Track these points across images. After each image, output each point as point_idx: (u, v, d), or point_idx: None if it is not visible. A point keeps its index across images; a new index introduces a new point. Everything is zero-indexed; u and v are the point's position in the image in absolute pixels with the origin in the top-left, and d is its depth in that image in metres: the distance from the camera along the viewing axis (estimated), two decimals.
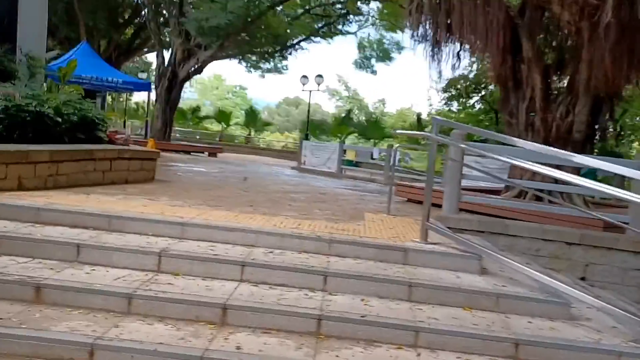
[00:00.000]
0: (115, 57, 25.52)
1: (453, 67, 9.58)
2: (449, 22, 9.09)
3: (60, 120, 6.65)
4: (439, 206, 8.98)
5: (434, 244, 4.65)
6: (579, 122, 8.24)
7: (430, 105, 34.45)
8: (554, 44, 9.31)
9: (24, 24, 8.13)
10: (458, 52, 9.78)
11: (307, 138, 20.76)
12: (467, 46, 9.77)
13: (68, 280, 3.61)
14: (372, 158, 16.39)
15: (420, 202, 9.31)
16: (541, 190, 7.39)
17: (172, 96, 21.81)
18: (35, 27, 8.26)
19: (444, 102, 26.33)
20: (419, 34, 9.90)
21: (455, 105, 28.73)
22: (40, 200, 4.94)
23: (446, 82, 26.82)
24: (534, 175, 8.67)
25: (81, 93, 9.48)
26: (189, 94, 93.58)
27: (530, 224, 6.71)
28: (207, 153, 21.87)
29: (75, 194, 5.82)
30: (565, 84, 8.85)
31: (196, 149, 21.70)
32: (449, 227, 5.78)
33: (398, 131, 8.05)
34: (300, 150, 18.80)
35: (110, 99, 46.81)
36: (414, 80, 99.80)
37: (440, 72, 9.81)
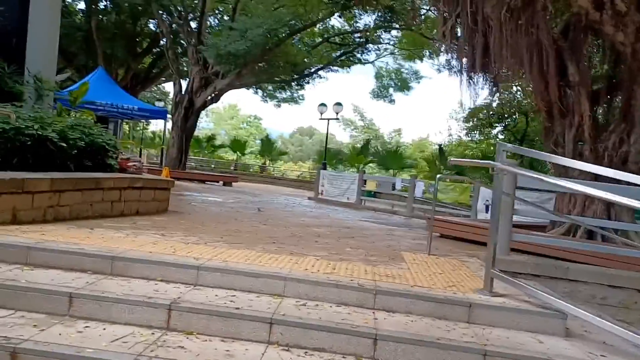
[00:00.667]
0: (133, 85, 25.36)
1: (491, 92, 8.87)
2: (486, 45, 8.42)
3: (65, 145, 6.03)
4: (477, 243, 8.19)
5: (501, 295, 3.84)
6: (636, 153, 7.43)
7: (450, 135, 33.82)
8: (604, 67, 8.58)
9: (33, 44, 7.64)
10: (494, 77, 9.09)
11: (324, 168, 20.09)
12: (504, 71, 9.08)
13: (54, 342, 2.86)
14: (395, 189, 15.62)
15: (456, 239, 8.53)
16: (602, 228, 6.53)
17: (188, 124, 21.41)
18: (45, 48, 7.77)
19: (464, 131, 25.69)
20: (450, 60, 9.24)
21: (476, 136, 28.00)
22: (34, 237, 4.25)
23: (468, 111, 26.24)
24: (584, 209, 7.84)
25: (93, 118, 8.96)
26: (205, 124, 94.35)
27: (594, 268, 5.86)
28: (222, 182, 21.29)
29: (77, 228, 5.13)
30: (618, 111, 8.07)
31: (211, 178, 21.14)
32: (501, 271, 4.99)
33: (454, 159, 7.37)
34: (318, 180, 18.11)
35: (127, 128, 47.02)
36: (430, 110, 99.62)
37: (475, 97, 9.09)
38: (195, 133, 51.09)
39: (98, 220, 5.98)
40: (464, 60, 9.07)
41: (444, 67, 27.35)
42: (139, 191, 7.34)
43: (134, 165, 8.08)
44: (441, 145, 20.61)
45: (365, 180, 16.53)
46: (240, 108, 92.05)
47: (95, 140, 6.85)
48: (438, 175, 6.30)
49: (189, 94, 21.04)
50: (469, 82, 8.85)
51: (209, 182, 20.91)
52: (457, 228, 8.57)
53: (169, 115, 20.81)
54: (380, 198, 17.06)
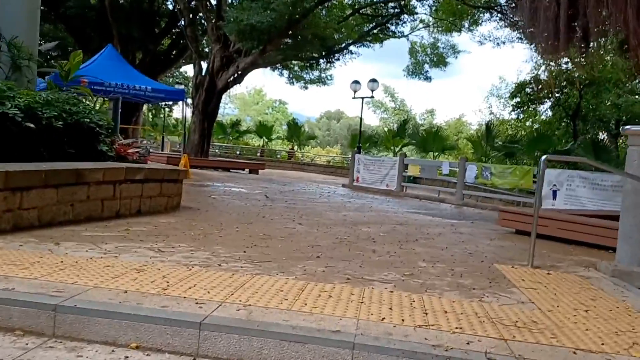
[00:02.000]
0: (152, 68, 23.98)
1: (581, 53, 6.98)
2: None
3: (33, 126, 4.48)
4: (568, 242, 6.36)
5: None
6: None
7: (492, 113, 31.54)
8: None
9: (8, 6, 6.11)
10: (584, 33, 7.18)
11: (359, 152, 18.32)
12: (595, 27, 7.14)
13: None
14: (442, 174, 13.80)
15: (541, 237, 6.72)
16: None
17: (210, 108, 19.88)
18: (23, 10, 6.23)
19: (510, 109, 23.42)
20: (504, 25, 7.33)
21: (520, 114, 25.67)
22: None
23: (514, 86, 24.01)
24: None
25: (91, 97, 7.45)
26: (229, 110, 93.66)
27: None
28: (247, 170, 19.78)
29: (38, 242, 3.58)
30: None
31: (236, 165, 19.65)
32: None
33: (552, 156, 5.79)
34: (352, 166, 16.38)
35: (149, 115, 45.98)
36: (465, 88, 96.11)
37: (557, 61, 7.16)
38: (220, 119, 49.84)
39: (79, 226, 4.43)
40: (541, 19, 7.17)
41: (487, 39, 25.24)
42: (140, 185, 5.79)
43: (136, 152, 6.53)
44: (489, 123, 18.57)
45: (406, 165, 14.74)
46: (266, 93, 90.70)
47: (81, 120, 5.29)
48: (543, 157, 4.50)
49: (210, 75, 19.47)
50: (554, 42, 6.95)
51: (233, 170, 19.41)
52: (542, 223, 6.75)
53: (188, 99, 19.33)
54: (421, 184, 15.29)
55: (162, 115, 41.35)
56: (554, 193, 11.27)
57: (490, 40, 25.31)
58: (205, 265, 3.27)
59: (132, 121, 24.12)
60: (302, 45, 18.90)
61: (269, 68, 27.59)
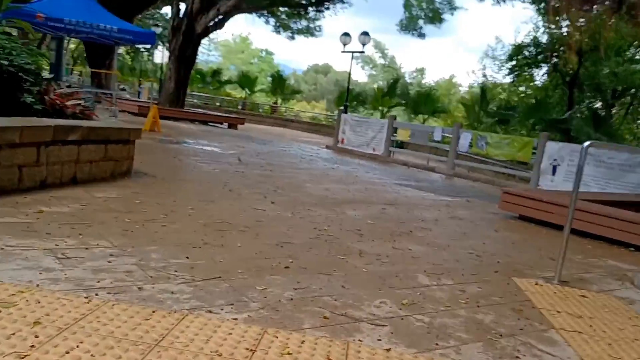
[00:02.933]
0: (126, 8, 22.08)
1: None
2: None
3: None
4: (583, 235, 5.43)
5: None
6: None
7: (484, 76, 30.40)
8: None
9: None
10: None
11: (346, 111, 17.14)
12: None
13: None
14: (434, 140, 12.80)
15: (544, 224, 5.79)
16: None
17: (188, 54, 18.34)
18: None
19: (506, 72, 22.25)
20: None
21: (514, 78, 24.53)
22: None
23: (512, 47, 22.79)
24: None
25: (31, 32, 6.11)
26: (213, 57, 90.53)
27: None
28: (226, 124, 18.52)
29: None
30: None
31: (214, 118, 18.33)
32: None
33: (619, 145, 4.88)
34: (338, 126, 15.27)
35: (128, 58, 43.52)
36: (458, 48, 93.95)
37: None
38: (202, 67, 47.61)
39: None
40: None
41: None
42: (76, 147, 4.67)
43: (77, 104, 5.35)
44: (483, 86, 17.44)
45: (395, 128, 13.69)
46: (252, 42, 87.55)
47: None
48: (586, 144, 3.48)
49: (188, 17, 17.84)
50: None
51: (211, 124, 18.16)
52: (547, 208, 5.83)
53: (162, 43, 17.72)
54: (409, 149, 14.30)
55: (141, 60, 39.20)
56: (554, 168, 10.40)
57: None
58: (117, 291, 2.25)
59: (105, 65, 22.43)
60: None
61: (254, 14, 25.85)
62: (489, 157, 11.82)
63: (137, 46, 33.29)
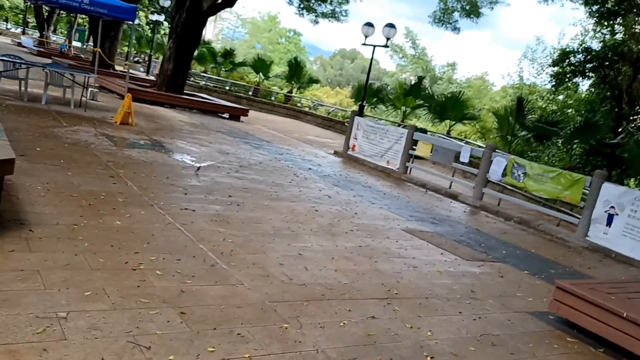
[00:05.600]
0: None
1: None
2: None
3: None
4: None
5: None
6: None
7: (521, 78, 27.89)
8: None
9: None
10: None
11: (361, 113, 14.99)
12: None
13: None
14: (459, 161, 10.67)
15: (599, 340, 3.65)
16: None
17: (191, 33, 16.36)
18: None
19: (549, 78, 19.72)
20: None
21: (549, 85, 21.97)
22: None
23: (559, 51, 20.26)
24: None
25: None
26: (239, 34, 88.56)
27: None
28: (228, 114, 16.58)
29: None
30: None
31: (214, 107, 16.37)
32: None
33: None
34: (350, 130, 13.21)
35: (148, 30, 41.67)
36: (495, 45, 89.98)
37: None
38: (225, 45, 45.46)
39: None
40: None
41: None
42: None
43: None
44: (521, 97, 15.11)
45: (415, 141, 11.57)
46: (280, 21, 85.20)
47: None
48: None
49: None
50: None
51: (211, 113, 16.23)
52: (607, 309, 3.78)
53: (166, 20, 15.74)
54: (426, 160, 12.20)
55: (158, 32, 37.33)
56: (610, 217, 8.21)
57: None
58: None
59: (109, 37, 20.62)
60: None
61: None
62: (526, 191, 9.65)
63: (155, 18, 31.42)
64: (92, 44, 27.82)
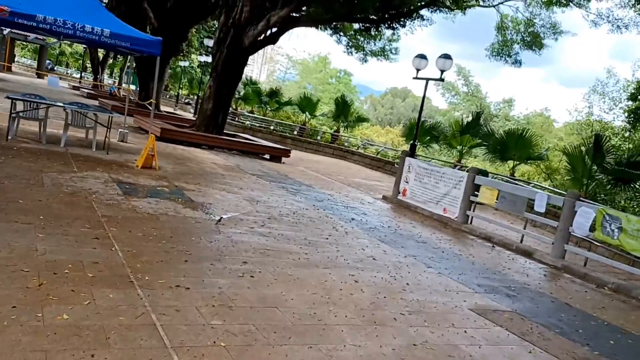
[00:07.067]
0: (180, 15, 20.02)
1: None
2: None
3: None
4: None
5: None
6: None
7: (589, 114, 25.57)
8: None
9: None
10: None
11: (412, 153, 13.47)
12: None
13: None
14: (533, 211, 8.93)
15: None
16: None
17: (232, 71, 15.61)
18: None
19: (625, 114, 17.53)
20: None
21: (624, 121, 19.68)
22: None
23: (636, 84, 18.13)
24: None
25: None
26: (289, 76, 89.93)
27: None
28: (269, 155, 15.50)
29: None
30: None
31: (253, 149, 15.35)
32: None
33: None
34: (400, 172, 11.72)
35: (199, 71, 42.24)
36: (554, 78, 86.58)
37: None
38: (275, 85, 45.42)
39: None
40: None
41: (604, 18, 19.40)
42: None
43: None
44: (599, 134, 13.16)
45: (478, 186, 9.92)
46: (330, 61, 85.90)
47: None
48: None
49: (234, 28, 15.12)
50: None
51: (251, 154, 15.20)
52: None
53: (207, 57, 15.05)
54: (487, 206, 10.44)
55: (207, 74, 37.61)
56: None
57: (609, 21, 19.49)
58: None
59: (152, 75, 20.35)
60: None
61: (327, 32, 23.14)
62: (622, 250, 7.77)
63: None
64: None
